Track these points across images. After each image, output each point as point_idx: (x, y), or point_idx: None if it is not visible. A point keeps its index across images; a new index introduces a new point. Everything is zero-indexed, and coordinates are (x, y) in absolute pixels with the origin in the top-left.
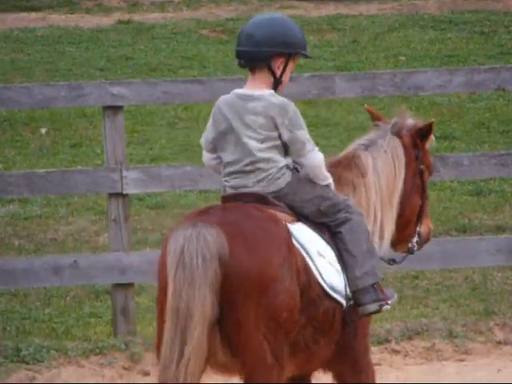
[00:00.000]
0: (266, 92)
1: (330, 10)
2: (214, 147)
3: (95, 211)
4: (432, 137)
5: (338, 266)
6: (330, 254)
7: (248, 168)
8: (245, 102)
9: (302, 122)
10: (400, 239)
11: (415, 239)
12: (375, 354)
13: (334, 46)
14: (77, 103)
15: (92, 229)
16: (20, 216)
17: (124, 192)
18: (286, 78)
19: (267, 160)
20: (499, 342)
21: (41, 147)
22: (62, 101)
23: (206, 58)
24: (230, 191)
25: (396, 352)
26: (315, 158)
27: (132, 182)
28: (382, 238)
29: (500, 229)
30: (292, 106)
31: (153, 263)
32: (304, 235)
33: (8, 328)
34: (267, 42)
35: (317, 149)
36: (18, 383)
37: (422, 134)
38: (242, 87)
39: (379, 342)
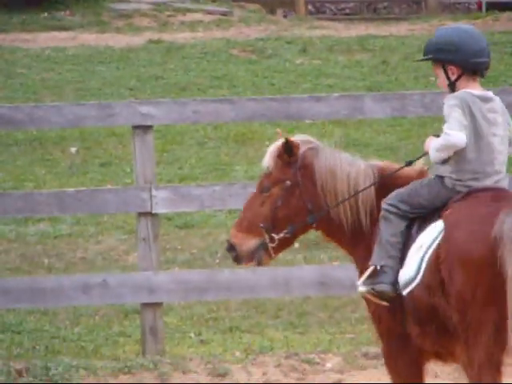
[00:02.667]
0: (492, 93)
1: (360, 30)
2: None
3: (124, 230)
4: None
5: None
6: None
7: (489, 169)
8: (484, 102)
9: None
10: None
11: None
12: None
13: (363, 67)
14: (107, 122)
15: (121, 248)
16: (50, 235)
17: (153, 211)
18: None
19: (503, 162)
20: None
21: (71, 166)
22: (92, 120)
23: (235, 78)
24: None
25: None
26: None
27: (161, 202)
28: None
29: None
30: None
31: (181, 283)
32: None
33: (37, 347)
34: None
35: None
36: None
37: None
38: (271, 107)
39: None
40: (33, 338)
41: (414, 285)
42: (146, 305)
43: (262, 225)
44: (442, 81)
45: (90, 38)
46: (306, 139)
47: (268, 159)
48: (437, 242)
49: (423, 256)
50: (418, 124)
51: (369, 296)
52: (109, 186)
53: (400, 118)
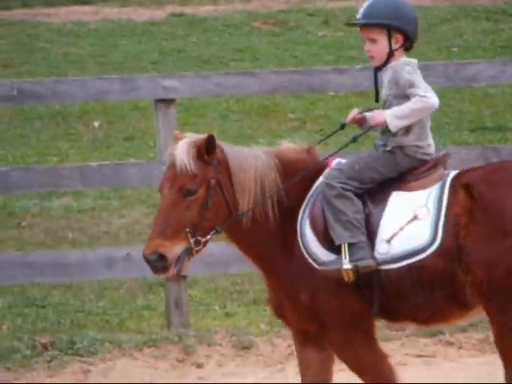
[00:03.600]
0: None
1: None
2: None
3: (148, 204)
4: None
5: None
6: None
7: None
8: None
9: None
10: None
11: None
12: (429, 346)
13: None
14: (129, 96)
15: (145, 221)
16: (73, 209)
17: None
18: None
19: None
20: None
21: (94, 140)
22: (114, 94)
23: (257, 50)
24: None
25: (450, 344)
26: None
27: None
28: None
29: None
30: None
31: (205, 255)
32: None
33: (62, 321)
34: None
35: None
36: (72, 376)
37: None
38: (293, 80)
39: (433, 334)
40: (58, 312)
41: (423, 255)
42: (170, 278)
43: (187, 229)
44: (382, 48)
45: (111, 12)
46: (200, 136)
47: (187, 161)
48: (443, 210)
49: (435, 224)
50: (439, 95)
51: (347, 273)
52: (132, 160)
53: None
